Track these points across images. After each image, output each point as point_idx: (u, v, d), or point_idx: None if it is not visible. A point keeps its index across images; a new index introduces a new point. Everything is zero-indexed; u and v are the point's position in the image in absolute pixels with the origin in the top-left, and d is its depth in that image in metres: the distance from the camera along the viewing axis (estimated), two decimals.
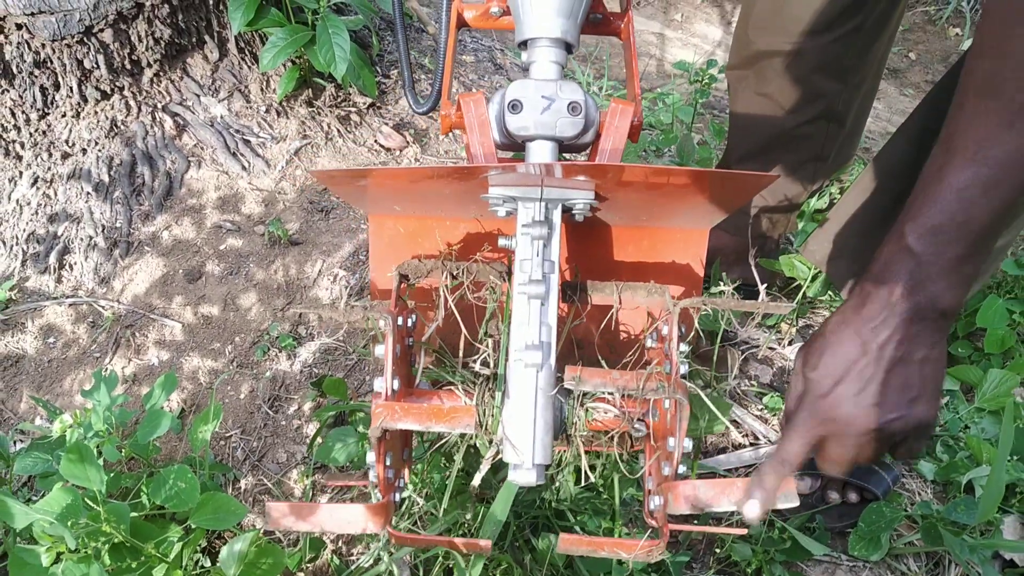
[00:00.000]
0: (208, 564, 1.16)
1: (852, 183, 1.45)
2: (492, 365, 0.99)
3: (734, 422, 1.39)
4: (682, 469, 0.85)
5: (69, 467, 0.88)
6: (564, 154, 1.01)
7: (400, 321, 0.95)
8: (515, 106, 0.95)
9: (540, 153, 0.97)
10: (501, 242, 0.96)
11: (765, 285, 1.00)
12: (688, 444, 0.85)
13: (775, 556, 1.19)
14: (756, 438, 1.37)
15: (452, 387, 0.99)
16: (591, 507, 1.19)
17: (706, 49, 2.92)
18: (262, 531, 1.12)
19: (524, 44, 1.01)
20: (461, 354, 1.04)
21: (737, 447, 1.36)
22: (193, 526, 1.01)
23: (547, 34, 0.98)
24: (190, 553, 1.02)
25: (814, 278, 1.48)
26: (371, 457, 0.88)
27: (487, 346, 1.00)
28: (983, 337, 1.44)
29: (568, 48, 1.01)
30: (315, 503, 0.83)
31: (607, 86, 2.27)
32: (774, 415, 1.40)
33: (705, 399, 0.96)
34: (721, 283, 1.48)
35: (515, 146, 1.02)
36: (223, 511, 0.99)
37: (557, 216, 0.93)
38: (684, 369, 0.91)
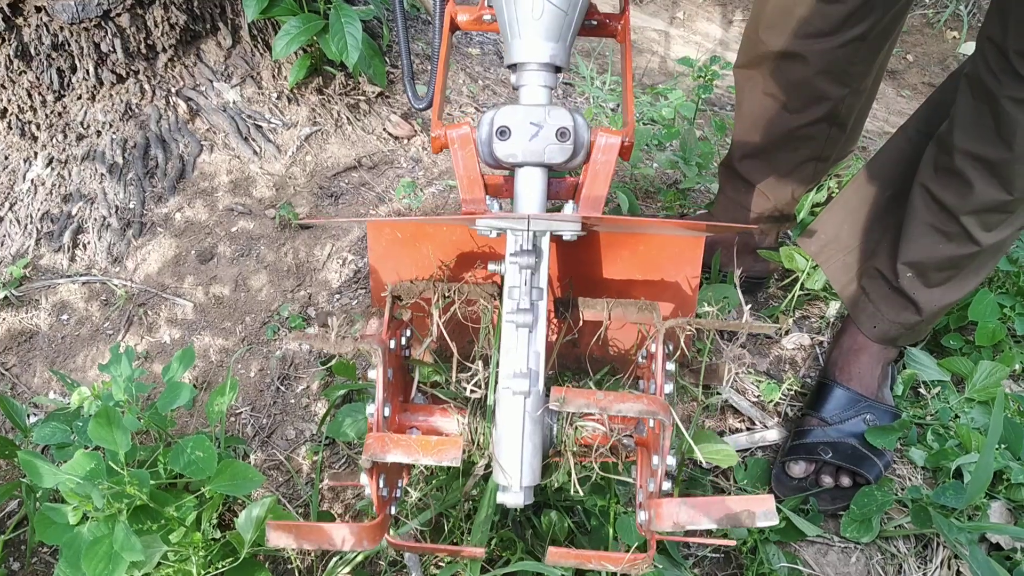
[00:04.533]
0: (218, 535, 1.19)
1: (849, 180, 1.49)
2: (483, 386, 1.01)
3: (732, 408, 1.43)
4: (667, 486, 0.87)
5: (97, 430, 0.91)
6: (555, 174, 1.02)
7: (392, 344, 0.97)
8: (503, 132, 0.95)
9: (529, 180, 0.98)
10: (491, 267, 0.97)
11: (750, 306, 1.02)
12: (672, 462, 0.86)
13: (769, 536, 1.23)
14: (752, 423, 1.41)
15: (446, 405, 1.01)
16: (590, 486, 1.22)
17: (708, 47, 2.96)
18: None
19: (513, 67, 1.02)
20: (455, 374, 1.06)
21: (734, 432, 1.40)
22: (208, 495, 1.04)
23: (536, 59, 0.99)
24: (208, 517, 1.05)
25: (812, 271, 1.52)
26: (364, 479, 0.89)
27: (478, 366, 1.02)
28: (974, 330, 1.48)
29: (558, 70, 1.02)
30: (313, 523, 0.86)
31: (610, 81, 2.31)
32: (770, 402, 1.44)
33: (683, 429, 0.96)
34: (708, 287, 1.51)
35: (505, 167, 1.03)
36: (240, 478, 1.02)
37: (545, 243, 0.94)
38: (669, 388, 0.93)
